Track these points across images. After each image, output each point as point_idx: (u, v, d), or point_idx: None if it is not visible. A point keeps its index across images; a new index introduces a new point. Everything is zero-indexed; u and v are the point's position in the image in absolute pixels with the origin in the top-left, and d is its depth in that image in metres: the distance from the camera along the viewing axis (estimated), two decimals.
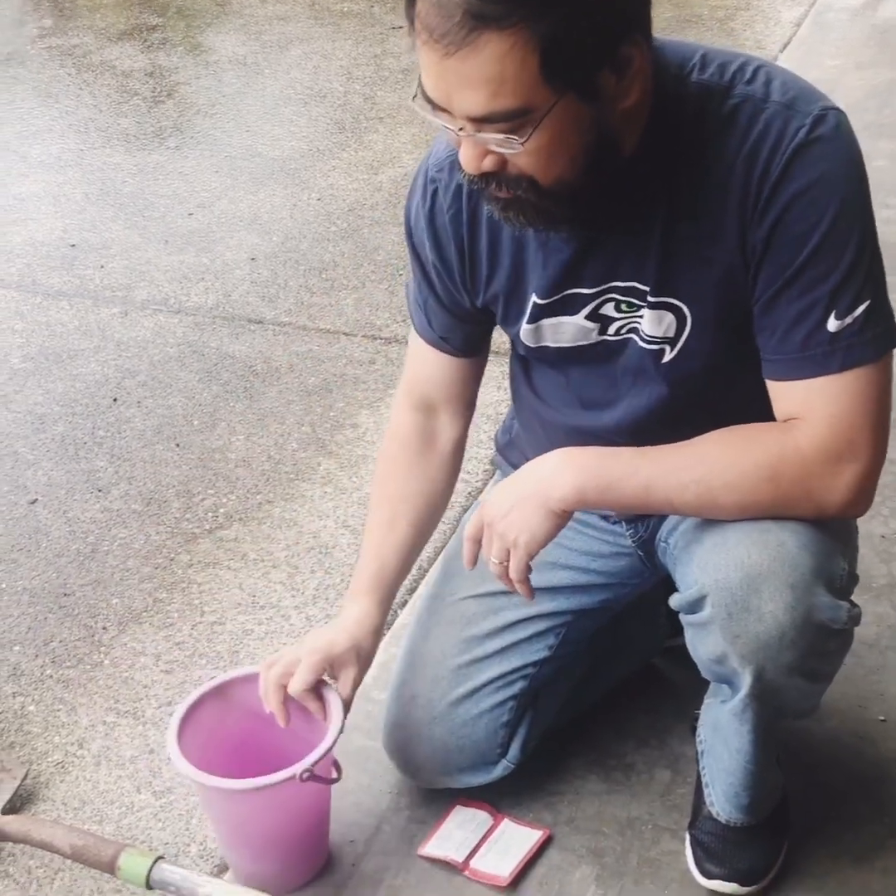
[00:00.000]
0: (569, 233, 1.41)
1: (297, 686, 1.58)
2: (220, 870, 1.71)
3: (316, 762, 1.53)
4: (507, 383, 2.89)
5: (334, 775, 1.60)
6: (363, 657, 1.64)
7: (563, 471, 1.43)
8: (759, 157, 1.32)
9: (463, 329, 1.64)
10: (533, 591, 1.51)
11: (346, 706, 1.62)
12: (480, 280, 1.54)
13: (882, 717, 1.90)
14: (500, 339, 3.15)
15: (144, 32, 5.40)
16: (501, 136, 1.26)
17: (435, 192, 1.52)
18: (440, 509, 1.77)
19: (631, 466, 1.42)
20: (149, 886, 1.58)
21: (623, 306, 1.46)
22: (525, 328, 1.53)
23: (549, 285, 1.47)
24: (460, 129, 1.27)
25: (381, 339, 3.14)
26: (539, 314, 1.50)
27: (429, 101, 1.28)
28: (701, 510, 1.44)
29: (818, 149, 1.32)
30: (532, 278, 1.48)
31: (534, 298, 1.49)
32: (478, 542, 1.53)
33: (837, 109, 1.35)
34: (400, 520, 1.70)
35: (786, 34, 4.92)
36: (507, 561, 1.48)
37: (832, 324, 1.34)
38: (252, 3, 5.64)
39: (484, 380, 2.89)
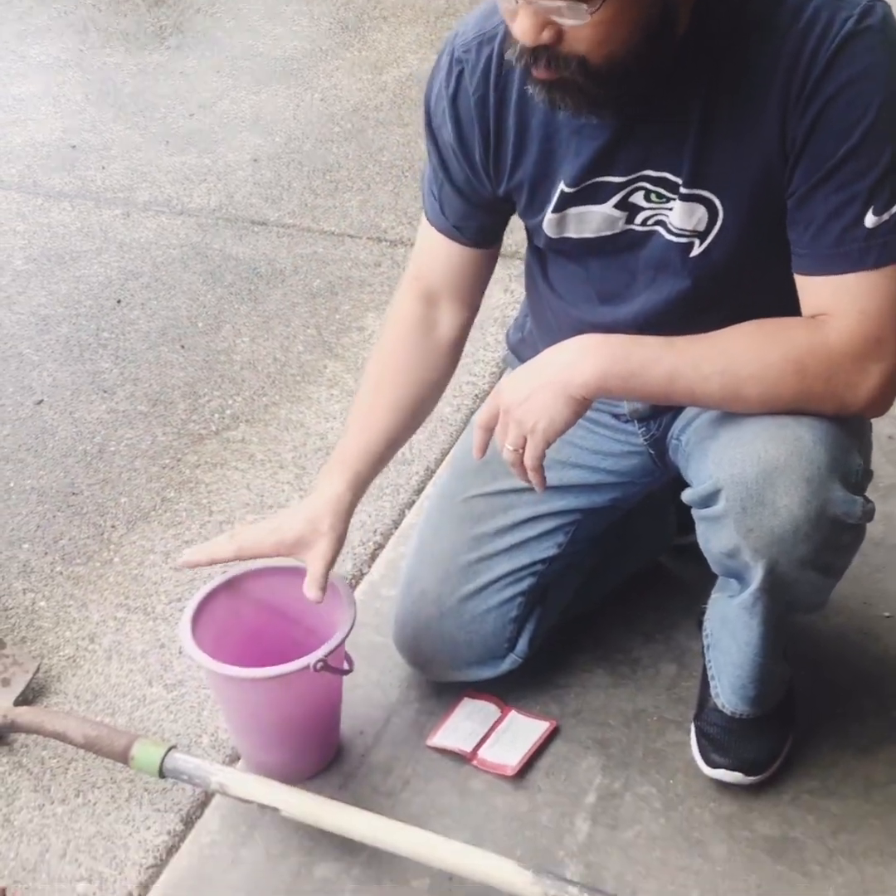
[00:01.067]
0: (608, 118, 1.38)
1: (235, 545, 1.61)
2: (232, 760, 1.73)
3: (329, 653, 1.55)
4: (514, 286, 2.89)
5: (346, 667, 1.62)
6: (327, 538, 1.60)
7: (585, 357, 1.41)
8: (805, 45, 1.30)
9: (477, 218, 1.61)
10: (545, 481, 1.50)
11: (317, 581, 1.58)
12: (505, 166, 1.51)
13: (887, 614, 1.92)
14: (507, 240, 3.12)
15: None
16: (564, 3, 1.22)
17: (460, 73, 1.49)
18: (432, 401, 1.74)
19: (655, 355, 1.40)
20: (162, 775, 1.61)
21: (652, 196, 1.44)
22: (549, 218, 1.50)
23: (579, 172, 1.44)
24: None
25: (386, 241, 3.12)
26: (566, 203, 1.48)
27: None
28: (723, 402, 1.42)
29: (866, 40, 1.29)
30: (561, 166, 1.45)
31: (562, 186, 1.46)
32: (490, 431, 1.51)
33: (883, 1, 1.32)
34: (391, 403, 1.66)
35: None
36: (522, 448, 1.46)
37: (869, 220, 1.32)
38: None
39: (491, 282, 2.90)
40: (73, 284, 2.98)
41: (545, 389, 1.42)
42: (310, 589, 1.58)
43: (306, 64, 4.08)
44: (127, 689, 1.86)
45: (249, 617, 1.68)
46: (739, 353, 1.38)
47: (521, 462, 1.48)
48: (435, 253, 1.66)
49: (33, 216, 3.30)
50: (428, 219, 1.65)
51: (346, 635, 1.57)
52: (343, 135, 3.65)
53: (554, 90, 1.32)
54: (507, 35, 1.32)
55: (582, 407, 1.43)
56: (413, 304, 1.69)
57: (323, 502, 1.61)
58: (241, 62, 4.13)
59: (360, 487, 1.64)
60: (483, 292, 1.72)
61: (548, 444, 1.45)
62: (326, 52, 4.16)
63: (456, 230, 1.62)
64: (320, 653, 1.54)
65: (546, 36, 1.26)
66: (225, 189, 3.40)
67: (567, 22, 1.24)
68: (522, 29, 1.26)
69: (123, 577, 2.09)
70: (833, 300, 1.36)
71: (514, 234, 3.07)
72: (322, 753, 1.71)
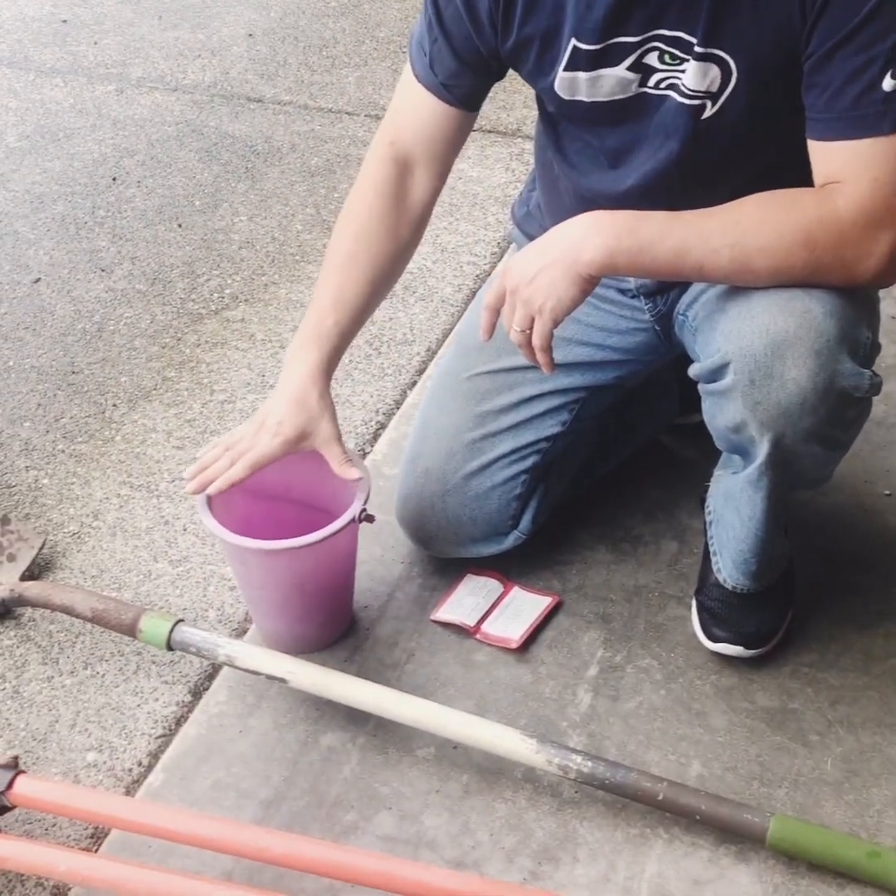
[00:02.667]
0: None
1: (248, 463, 1.57)
2: (239, 633, 1.75)
3: (365, 502, 1.58)
4: (515, 164, 2.86)
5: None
6: (324, 418, 1.59)
7: (593, 234, 1.39)
8: None
9: (467, 77, 1.57)
10: (553, 362, 1.50)
11: (347, 461, 1.60)
12: (514, 19, 1.47)
13: (887, 492, 1.94)
14: (507, 119, 3.08)
15: None
16: None
17: None
18: (403, 269, 1.70)
19: (664, 230, 1.38)
20: (170, 648, 1.62)
21: (666, 57, 1.41)
22: (561, 76, 1.47)
23: (593, 29, 1.41)
24: None
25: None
26: (577, 63, 1.45)
27: None
28: (732, 276, 1.41)
29: None
30: (574, 20, 1.42)
31: (574, 42, 1.43)
32: (497, 311, 1.50)
33: None
34: (366, 277, 1.62)
35: None
36: (530, 329, 1.46)
37: (887, 83, 1.31)
38: None
39: (491, 162, 2.88)
40: (68, 162, 2.94)
41: (552, 268, 1.41)
42: (345, 470, 1.59)
43: None
44: (132, 565, 1.88)
45: (239, 504, 1.66)
46: (749, 225, 1.36)
47: (529, 343, 1.47)
48: (418, 112, 1.61)
49: (25, 92, 3.24)
50: (415, 75, 1.59)
51: (368, 486, 1.61)
52: (339, 9, 3.57)
53: None
54: None
55: (590, 285, 1.42)
56: (387, 170, 1.63)
57: (305, 382, 1.59)
58: None
59: (336, 360, 1.63)
60: (455, 159, 1.67)
61: (556, 324, 1.44)
62: None
63: (444, 88, 1.58)
64: (358, 505, 1.58)
65: None
66: (220, 65, 3.34)
67: None
68: None
69: (126, 455, 2.09)
70: (846, 166, 1.35)
71: (515, 112, 3.03)
72: (343, 622, 1.74)
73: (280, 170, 2.89)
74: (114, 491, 2.02)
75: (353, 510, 1.58)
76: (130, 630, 1.65)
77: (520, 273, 1.44)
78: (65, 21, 3.57)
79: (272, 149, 2.97)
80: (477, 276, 2.51)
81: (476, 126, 1.67)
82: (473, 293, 2.44)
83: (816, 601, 1.76)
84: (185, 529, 1.93)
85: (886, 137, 1.32)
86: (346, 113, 3.11)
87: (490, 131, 2.96)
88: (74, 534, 1.94)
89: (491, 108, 2.98)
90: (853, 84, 1.32)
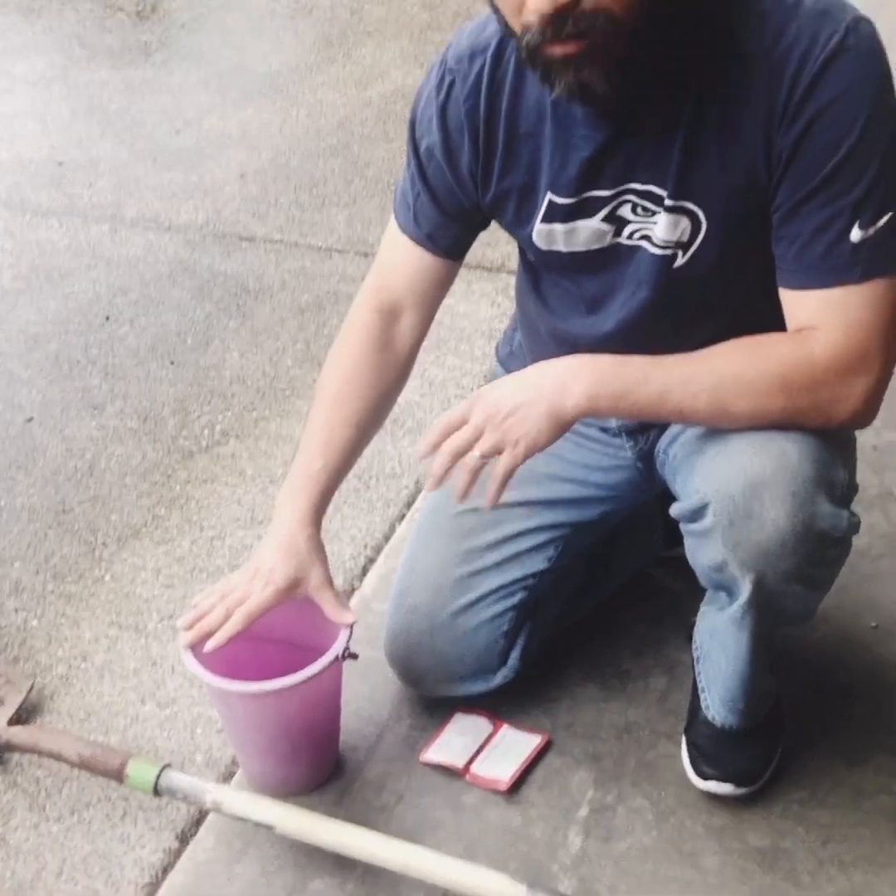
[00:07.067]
0: (613, 105, 1.37)
1: (243, 616, 1.57)
2: (226, 777, 1.74)
3: (348, 639, 1.59)
4: (500, 299, 2.91)
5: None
6: (315, 564, 1.61)
7: (576, 376, 1.41)
8: (789, 62, 1.31)
9: (452, 229, 1.62)
10: (499, 496, 1.47)
11: (340, 606, 1.61)
12: (493, 174, 1.52)
13: (874, 624, 1.94)
14: (492, 255, 3.14)
15: None
16: None
17: (451, 83, 1.50)
18: (388, 413, 1.73)
19: (644, 374, 1.40)
20: (156, 793, 1.61)
21: (639, 210, 1.45)
22: (539, 228, 1.51)
23: (567, 185, 1.46)
24: None
25: (373, 255, 3.06)
26: (554, 215, 1.49)
27: None
28: (711, 419, 1.43)
29: (850, 57, 1.30)
30: (549, 176, 1.47)
31: (549, 195, 1.48)
32: (457, 454, 1.45)
33: (868, 20, 1.33)
34: (353, 421, 1.65)
35: None
36: (489, 460, 1.44)
37: (855, 234, 1.33)
38: None
39: (477, 297, 2.93)
40: (62, 301, 2.99)
41: (534, 406, 1.42)
42: (339, 615, 1.61)
43: (292, 79, 4.09)
44: (120, 708, 1.87)
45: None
46: (726, 370, 1.39)
47: (477, 472, 1.46)
48: (403, 262, 1.66)
49: (21, 233, 3.30)
50: (400, 228, 1.64)
51: (351, 627, 1.61)
52: (329, 150, 3.66)
53: (581, 63, 1.28)
54: (510, 32, 1.32)
55: (565, 428, 1.43)
56: (373, 317, 1.67)
57: (295, 529, 1.61)
58: (227, 78, 4.13)
59: (325, 503, 1.65)
60: (440, 304, 1.72)
61: (526, 459, 1.44)
62: (312, 68, 4.17)
63: (429, 239, 1.62)
64: (340, 643, 1.58)
65: None
66: (212, 205, 3.41)
67: None
68: None
69: (115, 594, 2.10)
70: (819, 313, 1.37)
71: (500, 247, 3.09)
72: (330, 764, 1.73)
73: (271, 307, 2.94)
74: (102, 631, 2.02)
75: (336, 649, 1.58)
76: (117, 775, 1.64)
77: (496, 403, 1.44)
78: (61, 163, 3.66)
79: (263, 286, 3.03)
80: None
81: (462, 262, 1.72)
82: None
83: (806, 736, 1.75)
84: (172, 670, 1.93)
85: (857, 285, 1.35)
86: (336, 250, 3.17)
87: (476, 267, 3.02)
88: (63, 676, 1.93)
89: (476, 245, 2.97)
90: (821, 236, 1.35)
